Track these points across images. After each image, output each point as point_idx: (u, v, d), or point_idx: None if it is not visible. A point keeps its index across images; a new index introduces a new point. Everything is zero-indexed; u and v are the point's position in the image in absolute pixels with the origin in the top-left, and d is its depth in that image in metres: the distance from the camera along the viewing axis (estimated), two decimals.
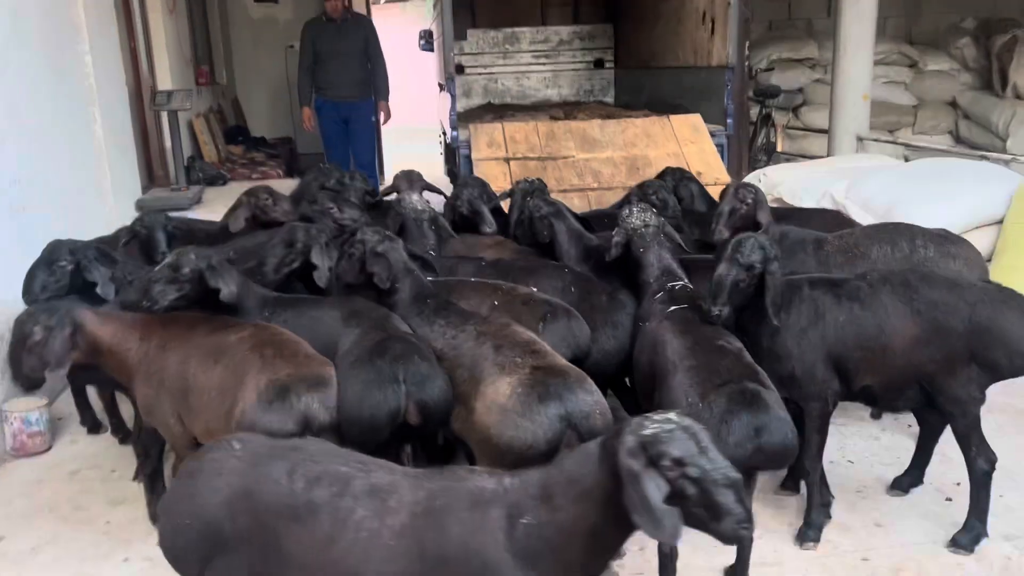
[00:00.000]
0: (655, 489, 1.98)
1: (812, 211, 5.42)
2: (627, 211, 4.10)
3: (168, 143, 8.14)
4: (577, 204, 6.20)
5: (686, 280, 3.82)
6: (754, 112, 11.04)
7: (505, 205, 5.42)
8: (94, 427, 4.87)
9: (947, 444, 3.93)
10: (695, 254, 4.46)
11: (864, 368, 3.46)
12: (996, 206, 6.04)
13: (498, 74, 11.54)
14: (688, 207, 5.35)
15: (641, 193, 5.05)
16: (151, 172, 8.26)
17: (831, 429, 3.69)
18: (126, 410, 4.68)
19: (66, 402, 5.08)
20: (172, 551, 2.37)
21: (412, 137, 18.04)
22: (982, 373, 3.40)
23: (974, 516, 3.52)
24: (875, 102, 9.75)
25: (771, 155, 10.73)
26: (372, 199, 5.83)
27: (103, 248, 4.27)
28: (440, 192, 5.76)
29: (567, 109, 10.02)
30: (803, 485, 3.81)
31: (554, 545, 2.12)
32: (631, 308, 3.92)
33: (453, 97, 7.59)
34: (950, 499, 3.93)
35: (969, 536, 3.52)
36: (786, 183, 6.99)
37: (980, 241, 5.45)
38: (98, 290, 3.92)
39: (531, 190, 5.10)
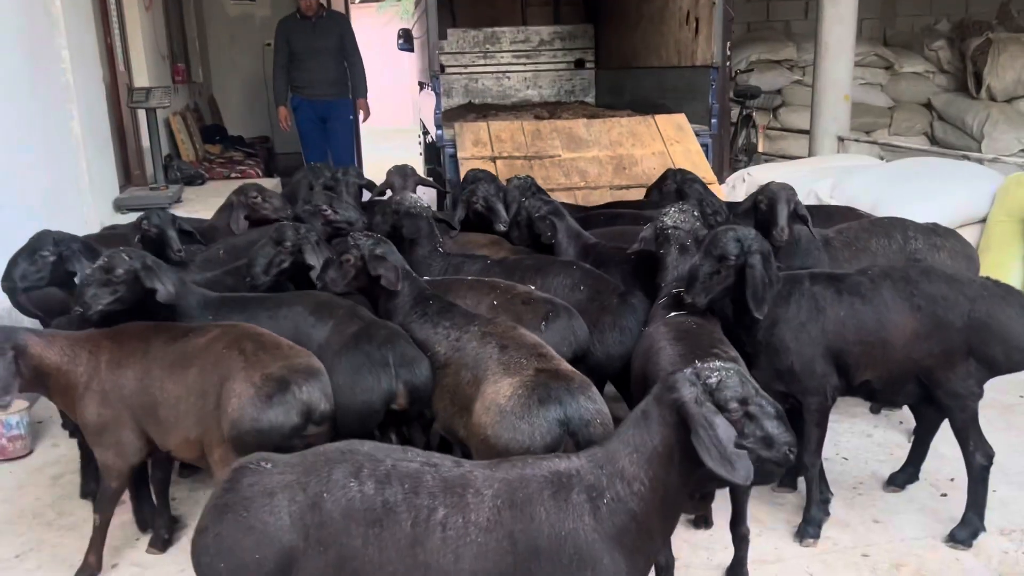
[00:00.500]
0: (726, 434, 2.15)
1: (831, 208, 5.44)
2: (667, 208, 4.08)
3: (145, 141, 8.00)
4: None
5: None
6: (734, 113, 11.08)
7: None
8: (76, 430, 4.73)
9: (941, 440, 3.97)
10: None
11: (864, 363, 3.46)
12: (979, 204, 6.12)
13: (478, 74, 11.46)
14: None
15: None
16: (128, 171, 8.10)
17: None
18: None
19: (47, 405, 4.94)
20: None
21: (389, 138, 17.97)
22: (980, 368, 3.42)
23: (971, 511, 3.54)
24: (852, 103, 9.83)
25: (752, 156, 10.78)
26: (369, 192, 5.78)
27: (88, 241, 4.18)
28: (435, 186, 5.69)
29: (550, 109, 9.99)
30: (800, 482, 3.81)
31: (638, 517, 2.19)
32: (642, 314, 3.81)
33: (438, 95, 7.52)
34: (945, 494, 3.95)
35: (967, 531, 3.53)
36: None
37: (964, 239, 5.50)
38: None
39: (526, 187, 5.06)
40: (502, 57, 11.50)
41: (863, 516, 3.80)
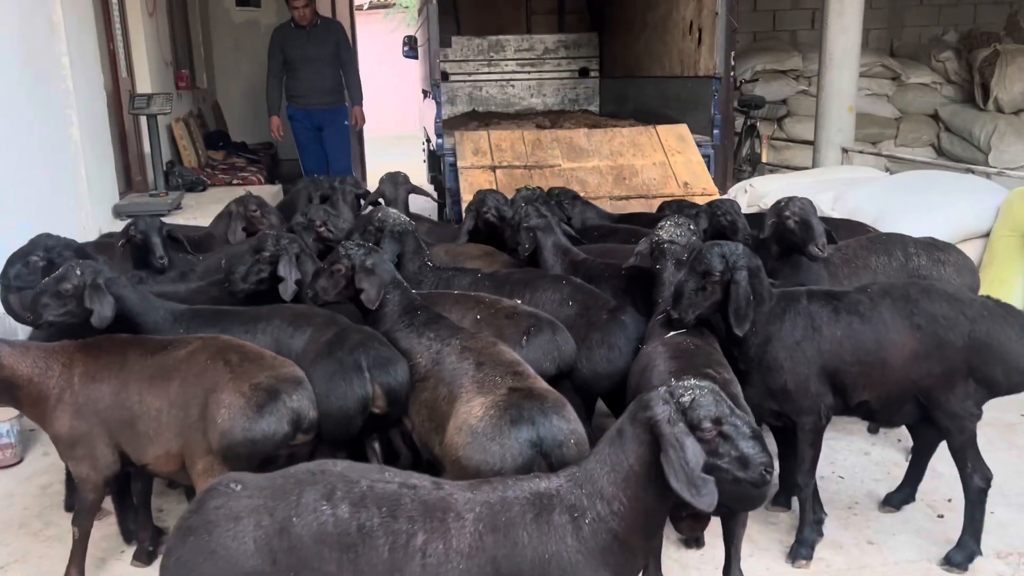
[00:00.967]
0: (695, 456, 2.12)
1: (838, 221, 5.37)
2: (662, 223, 4.02)
3: (147, 148, 7.98)
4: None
5: None
6: (738, 123, 11.04)
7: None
8: None
9: (938, 460, 3.91)
10: None
11: (861, 383, 3.40)
12: (983, 219, 6.05)
13: (482, 82, 11.45)
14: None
15: (710, 212, 4.84)
16: (129, 177, 8.10)
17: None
18: None
19: None
20: None
21: (395, 144, 18.00)
22: (979, 389, 3.36)
23: (968, 534, 3.48)
24: (858, 114, 9.76)
25: (755, 166, 10.73)
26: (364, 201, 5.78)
27: (83, 248, 4.18)
28: (427, 195, 5.66)
29: (552, 117, 9.97)
30: (795, 501, 3.75)
31: (619, 536, 2.17)
32: (633, 331, 3.74)
33: (438, 104, 7.50)
34: (942, 516, 3.89)
35: (963, 554, 3.47)
36: (772, 194, 6.95)
37: (967, 254, 5.43)
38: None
39: (532, 199, 5.01)
40: (506, 65, 11.49)
41: (857, 537, 3.74)
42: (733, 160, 10.37)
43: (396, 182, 5.60)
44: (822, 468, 4.16)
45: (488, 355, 3.05)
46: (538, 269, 4.36)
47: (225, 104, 12.18)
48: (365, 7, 24.59)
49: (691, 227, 4.00)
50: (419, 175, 11.65)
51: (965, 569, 3.44)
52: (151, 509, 3.67)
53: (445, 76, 11.16)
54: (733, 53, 9.00)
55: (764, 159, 10.83)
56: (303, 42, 8.52)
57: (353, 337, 3.27)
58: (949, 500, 3.94)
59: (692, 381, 2.24)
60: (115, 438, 3.15)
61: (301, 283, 3.87)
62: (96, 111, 6.75)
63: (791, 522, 3.78)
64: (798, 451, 3.50)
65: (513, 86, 11.53)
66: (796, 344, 3.40)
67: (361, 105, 9.03)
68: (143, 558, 3.59)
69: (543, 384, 2.94)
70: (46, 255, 3.92)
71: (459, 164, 6.95)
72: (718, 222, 4.76)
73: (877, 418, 3.76)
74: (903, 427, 4.58)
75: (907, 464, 4.08)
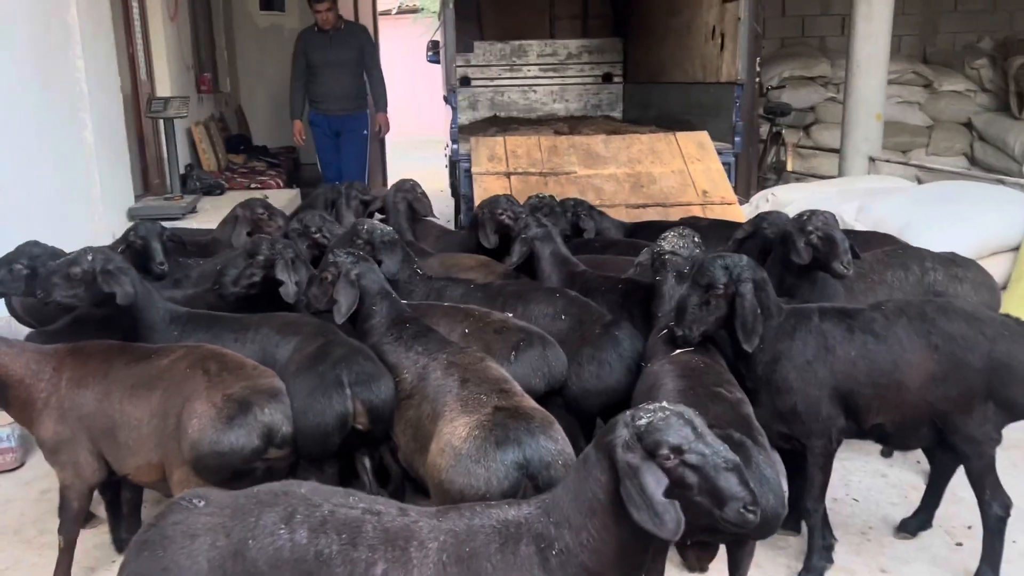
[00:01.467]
0: (654, 482, 1.93)
1: (868, 233, 5.19)
2: (666, 233, 3.88)
3: (165, 151, 7.99)
4: None
5: None
6: (764, 130, 10.85)
7: None
8: None
9: (958, 484, 3.72)
10: None
11: (876, 406, 3.25)
12: (1013, 232, 5.83)
13: (505, 87, 11.37)
14: None
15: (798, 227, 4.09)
16: (147, 180, 8.12)
17: (834, 464, 3.46)
18: None
19: None
20: None
21: (419, 148, 17.96)
22: (999, 412, 3.20)
23: (986, 564, 3.31)
24: (888, 122, 9.56)
25: (780, 174, 10.52)
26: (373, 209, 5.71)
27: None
28: (423, 209, 5.54)
29: (572, 123, 9.86)
30: (804, 525, 3.59)
31: (591, 570, 2.00)
32: (627, 347, 3.59)
33: (454, 109, 7.44)
34: (960, 544, 3.71)
35: None
36: (795, 203, 6.78)
37: (995, 268, 5.24)
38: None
39: (539, 207, 4.90)
40: (529, 70, 11.41)
41: (870, 565, 3.58)
42: (758, 168, 10.18)
43: (397, 189, 5.51)
44: (835, 490, 4.01)
45: (474, 371, 2.94)
46: (533, 281, 4.25)
47: (248, 108, 12.22)
48: (393, 12, 24.67)
49: (695, 239, 3.85)
50: (441, 180, 11.58)
51: None
52: (142, 519, 3.61)
53: (467, 81, 11.10)
54: (759, 59, 8.86)
55: (789, 167, 10.62)
56: (325, 46, 8.45)
57: (336, 351, 3.17)
58: (969, 527, 3.76)
59: (659, 404, 2.04)
60: (97, 446, 3.11)
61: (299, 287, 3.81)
62: (111, 114, 6.75)
63: (800, 547, 3.62)
64: (808, 475, 3.34)
65: (535, 91, 11.43)
66: (807, 364, 3.25)
67: (386, 111, 8.91)
68: None
69: (530, 403, 2.82)
70: (30, 263, 3.91)
71: (474, 170, 6.87)
72: (763, 235, 4.24)
73: (891, 442, 3.60)
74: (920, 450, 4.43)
75: (925, 487, 3.92)
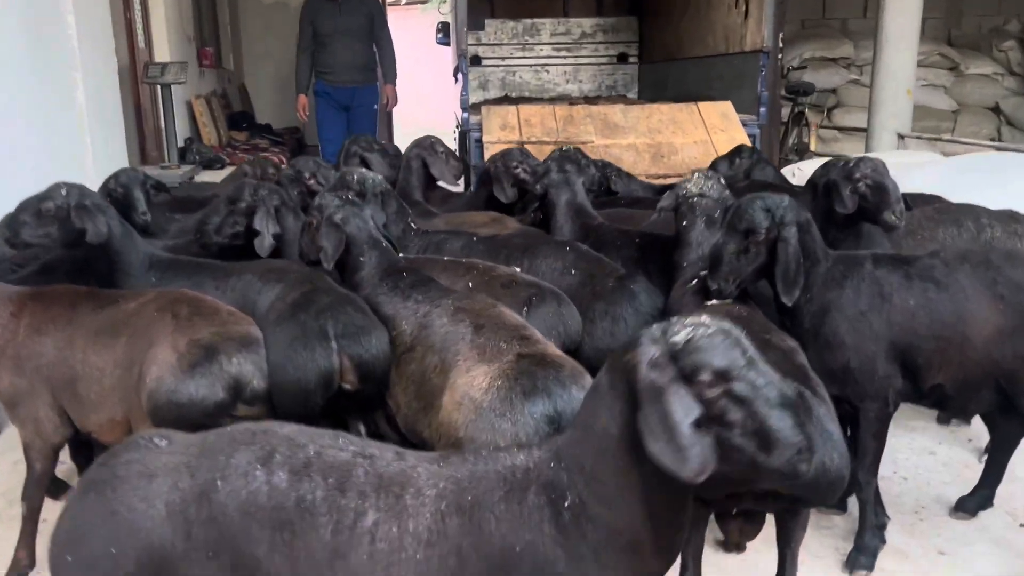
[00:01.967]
0: (682, 408, 1.49)
1: (911, 195, 4.79)
2: (691, 175, 3.52)
3: (164, 123, 7.68)
4: None
5: None
6: (785, 112, 10.48)
7: None
8: None
9: (1018, 461, 3.39)
10: None
11: (937, 363, 2.88)
12: None
13: (516, 66, 11.01)
14: None
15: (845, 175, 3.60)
16: (144, 153, 7.80)
17: None
18: None
19: None
20: None
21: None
22: None
23: None
24: (914, 106, 9.17)
25: (803, 156, 10.12)
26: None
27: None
28: (438, 171, 5.05)
29: (587, 103, 9.51)
30: (852, 504, 3.23)
31: (613, 527, 1.62)
32: (644, 301, 3.25)
33: (465, 75, 7.08)
34: None
35: None
36: None
37: None
38: None
39: (563, 160, 4.49)
40: (541, 50, 11.04)
41: (926, 546, 3.22)
42: (779, 150, 9.82)
43: (414, 145, 5.03)
44: (882, 468, 3.59)
45: (488, 317, 2.58)
46: (540, 233, 3.87)
47: (252, 87, 11.92)
48: (402, 3, 24.36)
49: (722, 181, 3.48)
50: None
51: None
52: None
53: (477, 60, 10.76)
54: (781, 35, 8.49)
55: (813, 148, 10.23)
56: (335, 14, 8.01)
57: (322, 299, 2.81)
58: None
59: (703, 318, 1.61)
60: (58, 399, 2.77)
61: (280, 238, 3.48)
62: (105, 76, 6.41)
63: (847, 527, 3.28)
64: (860, 443, 2.98)
65: (548, 71, 11.07)
66: (860, 315, 2.89)
67: (394, 84, 8.50)
68: None
69: (555, 350, 2.47)
70: None
71: (485, 139, 6.53)
72: (856, 189, 3.45)
73: (950, 405, 3.23)
74: (975, 426, 4.09)
75: (981, 465, 3.57)
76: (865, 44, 10.95)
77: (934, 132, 10.99)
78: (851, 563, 3.04)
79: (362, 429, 2.97)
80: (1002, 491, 3.45)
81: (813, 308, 2.91)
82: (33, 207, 3.10)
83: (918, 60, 9.80)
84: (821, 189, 3.57)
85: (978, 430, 4.06)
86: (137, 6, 7.80)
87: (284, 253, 3.55)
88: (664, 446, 1.49)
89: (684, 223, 3.37)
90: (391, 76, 8.44)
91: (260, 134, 10.33)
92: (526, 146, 6.50)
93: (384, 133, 12.04)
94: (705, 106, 6.93)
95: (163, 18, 8.19)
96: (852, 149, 10.28)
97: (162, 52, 8.25)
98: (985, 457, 3.61)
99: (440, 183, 5.09)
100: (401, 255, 3.30)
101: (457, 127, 10.58)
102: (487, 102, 10.47)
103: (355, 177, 3.79)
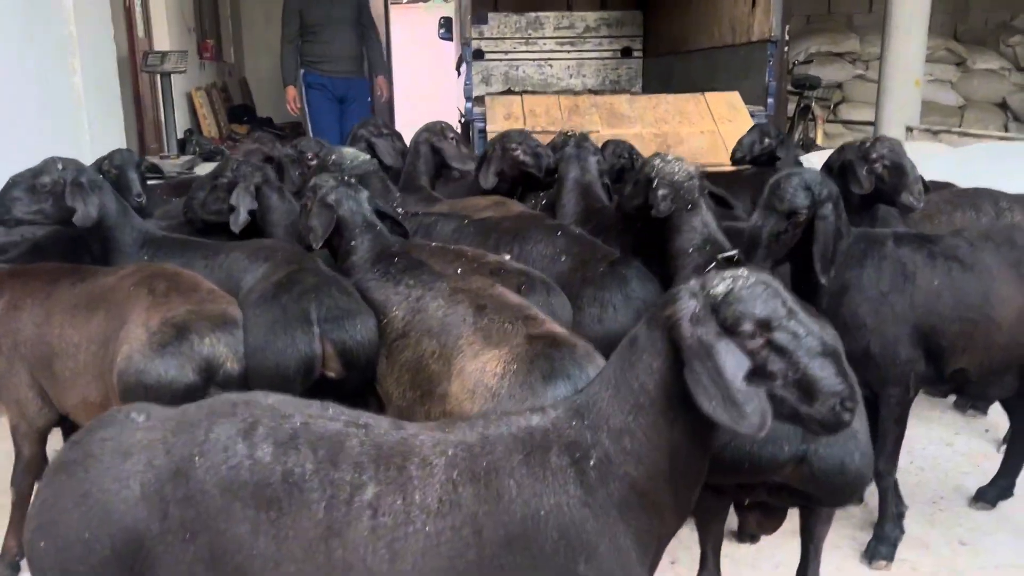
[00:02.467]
0: (734, 364, 1.48)
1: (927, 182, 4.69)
2: (659, 160, 3.27)
3: (163, 114, 7.58)
4: None
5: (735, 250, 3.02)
6: (791, 107, 10.38)
7: None
8: None
9: None
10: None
11: (961, 346, 2.79)
12: None
13: (519, 61, 10.91)
14: None
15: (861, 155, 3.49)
16: (143, 144, 7.70)
17: None
18: None
19: None
20: None
21: None
22: None
23: None
24: (920, 100, 9.07)
25: (809, 150, 10.03)
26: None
27: None
28: (449, 156, 4.89)
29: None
30: (867, 493, 3.12)
31: (638, 486, 1.60)
32: (635, 288, 3.10)
33: (468, 64, 7.00)
34: None
35: None
36: None
37: None
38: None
39: (564, 144, 4.30)
40: (545, 44, 10.94)
41: (947, 536, 3.13)
42: None
43: (424, 130, 4.82)
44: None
45: (489, 297, 2.45)
46: (534, 216, 3.69)
47: (254, 81, 11.83)
48: (404, 1, 24.27)
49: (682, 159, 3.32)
50: None
51: None
52: None
53: (480, 54, 10.66)
54: (788, 27, 8.39)
55: (819, 142, 10.13)
56: (325, 3, 7.73)
57: (307, 280, 2.66)
58: None
59: (741, 271, 1.59)
60: (36, 378, 2.67)
61: (264, 217, 3.39)
62: (103, 62, 6.31)
63: (865, 517, 3.20)
64: (880, 429, 2.88)
65: (551, 66, 10.96)
66: (882, 296, 2.80)
67: (384, 75, 8.31)
68: None
69: (562, 329, 2.34)
70: None
71: (489, 128, 6.44)
72: (872, 169, 3.35)
73: (971, 391, 3.14)
74: (992, 415, 4.00)
75: (999, 455, 3.48)
76: (870, 39, 10.85)
77: (940, 127, 10.91)
78: (871, 553, 2.95)
79: None
80: (1021, 480, 3.36)
81: (833, 287, 2.81)
82: (27, 182, 2.98)
83: (926, 55, 9.72)
84: (836, 171, 3.47)
85: (995, 420, 3.97)
86: None
87: (266, 232, 3.44)
88: (719, 405, 1.47)
89: (688, 207, 3.10)
90: (381, 67, 8.20)
91: (261, 128, 10.20)
92: None
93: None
94: (712, 96, 6.84)
95: (163, 8, 8.09)
96: None
97: (162, 43, 8.16)
98: (1004, 447, 3.52)
99: (453, 167, 4.88)
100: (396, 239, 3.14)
101: (461, 119, 10.50)
102: (489, 95, 10.39)
103: (334, 156, 3.66)
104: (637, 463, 1.57)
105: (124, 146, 6.72)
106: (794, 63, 10.83)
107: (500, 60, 10.92)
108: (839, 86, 11.25)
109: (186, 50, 7.68)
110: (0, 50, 5.04)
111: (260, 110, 11.22)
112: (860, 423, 2.19)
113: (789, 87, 10.02)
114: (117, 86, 6.50)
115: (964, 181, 5.40)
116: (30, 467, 2.83)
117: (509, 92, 10.67)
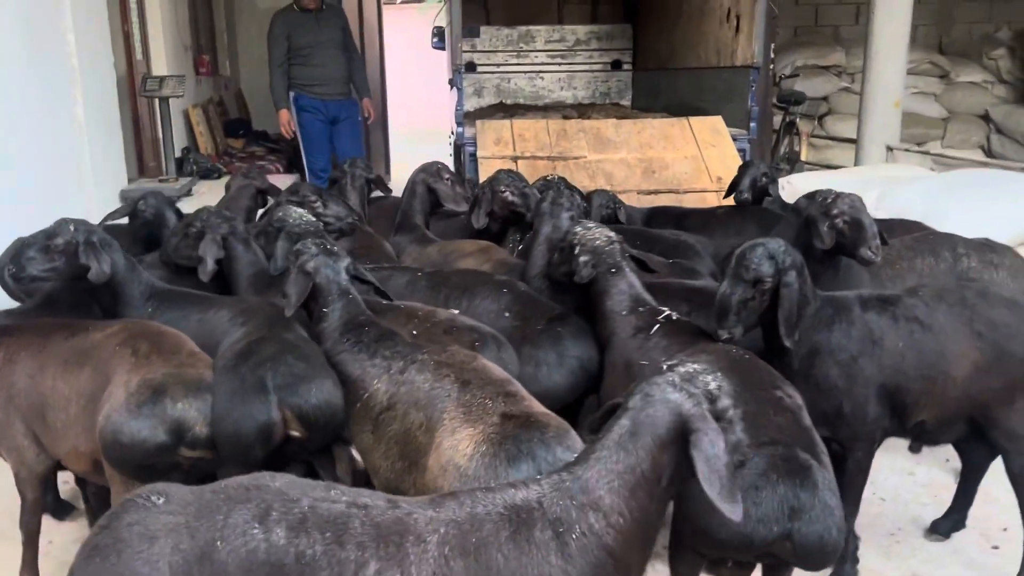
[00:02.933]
0: (729, 457, 1.83)
1: (892, 221, 4.89)
2: (581, 228, 3.41)
3: (160, 133, 7.75)
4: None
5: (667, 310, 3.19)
6: (776, 120, 10.58)
7: None
8: None
9: (993, 482, 3.49)
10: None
11: (923, 401, 3.00)
12: None
13: (511, 73, 11.08)
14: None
15: (822, 211, 3.63)
16: (142, 163, 7.88)
17: None
18: None
19: None
20: None
21: (425, 139, 17.70)
22: None
23: None
24: (903, 113, 9.27)
25: (794, 165, 10.25)
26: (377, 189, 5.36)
27: None
28: (444, 197, 4.96)
29: (580, 111, 9.61)
30: None
31: (615, 553, 1.83)
32: (569, 346, 3.24)
33: (460, 91, 7.18)
34: (997, 547, 3.49)
35: None
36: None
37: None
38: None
39: (546, 190, 4.46)
40: (536, 57, 11.12)
41: (902, 568, 3.34)
42: (770, 159, 9.92)
43: (419, 171, 4.91)
44: None
45: (473, 371, 2.58)
46: (478, 272, 3.84)
47: (249, 93, 11.95)
48: (398, 1, 24.37)
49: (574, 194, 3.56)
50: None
51: None
52: None
53: (472, 67, 10.82)
54: (773, 45, 8.59)
55: (804, 157, 10.35)
56: (313, 27, 7.86)
57: (265, 350, 2.76)
58: (1005, 529, 3.52)
59: (700, 365, 1.91)
60: (30, 427, 2.86)
61: (225, 264, 3.59)
62: (104, 92, 6.51)
63: None
64: (846, 480, 3.03)
65: (543, 78, 11.14)
66: (852, 360, 2.98)
67: (371, 96, 8.42)
68: None
69: (540, 407, 2.48)
70: None
71: (479, 154, 6.64)
72: (833, 225, 3.47)
73: (926, 438, 3.35)
74: (950, 445, 4.19)
75: (957, 486, 3.68)
76: (856, 52, 11.03)
77: (924, 139, 11.14)
78: None
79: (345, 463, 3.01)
80: (977, 512, 3.57)
81: (802, 351, 2.98)
82: (40, 243, 3.16)
83: (908, 68, 9.91)
84: (804, 221, 3.66)
85: (956, 451, 4.18)
86: (135, 18, 7.86)
87: (231, 280, 3.62)
88: (724, 495, 1.76)
89: (612, 271, 3.26)
90: (366, 90, 8.33)
91: (257, 141, 10.38)
92: (520, 161, 6.64)
93: (379, 137, 12.13)
94: (696, 121, 7.04)
95: (160, 29, 8.26)
96: (843, 157, 10.40)
97: (159, 63, 8.33)
98: (959, 480, 3.73)
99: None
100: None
101: (452, 134, 10.68)
102: (482, 109, 10.57)
103: (279, 215, 3.78)
104: (617, 534, 1.81)
105: (124, 168, 6.95)
106: (780, 76, 11.03)
107: (492, 73, 11.10)
108: (825, 99, 11.45)
109: (183, 75, 7.85)
110: (5, 83, 5.23)
111: (256, 123, 11.36)
112: (834, 497, 2.35)
113: (774, 101, 10.21)
114: (117, 113, 6.70)
115: (945, 208, 5.63)
116: (35, 510, 3.04)
117: (501, 104, 10.86)
